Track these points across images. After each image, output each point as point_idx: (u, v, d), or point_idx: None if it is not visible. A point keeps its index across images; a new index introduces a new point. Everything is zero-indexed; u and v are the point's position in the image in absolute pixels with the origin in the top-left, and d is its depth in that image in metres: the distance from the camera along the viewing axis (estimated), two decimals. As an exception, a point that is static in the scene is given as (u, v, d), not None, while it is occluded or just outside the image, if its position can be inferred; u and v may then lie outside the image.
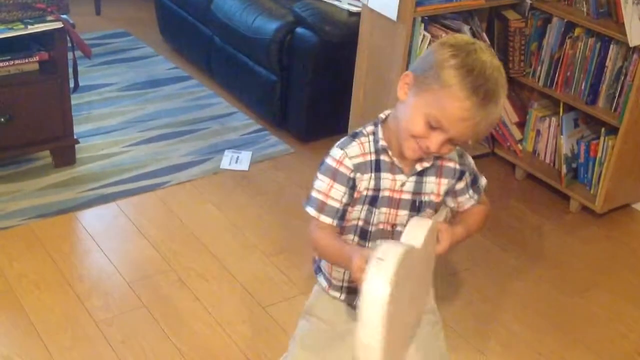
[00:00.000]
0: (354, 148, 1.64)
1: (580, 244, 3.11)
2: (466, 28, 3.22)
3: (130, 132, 3.61)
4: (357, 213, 1.69)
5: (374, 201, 1.67)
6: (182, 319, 2.55)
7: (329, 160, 1.65)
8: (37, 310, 2.53)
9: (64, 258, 2.78)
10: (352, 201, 1.67)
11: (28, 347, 2.40)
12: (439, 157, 1.67)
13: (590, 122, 3.29)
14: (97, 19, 4.89)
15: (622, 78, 3.02)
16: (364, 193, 1.66)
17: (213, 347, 2.45)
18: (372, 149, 1.64)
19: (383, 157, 1.64)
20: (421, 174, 1.67)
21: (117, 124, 3.67)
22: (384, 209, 1.68)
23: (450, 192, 1.74)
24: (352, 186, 1.64)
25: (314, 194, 1.66)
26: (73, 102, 3.25)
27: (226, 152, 3.50)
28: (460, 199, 1.75)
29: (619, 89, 3.04)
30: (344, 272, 1.75)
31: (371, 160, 1.64)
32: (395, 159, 1.64)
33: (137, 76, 4.15)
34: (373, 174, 1.65)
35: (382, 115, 1.67)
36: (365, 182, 1.65)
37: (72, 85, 3.20)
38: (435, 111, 1.50)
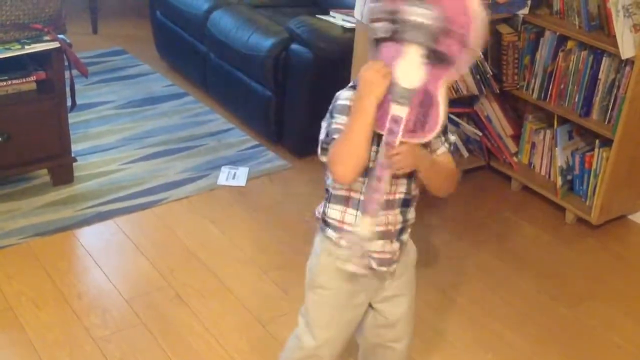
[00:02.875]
0: None
1: (576, 255, 3.12)
2: (459, 42, 3.24)
3: (128, 149, 3.63)
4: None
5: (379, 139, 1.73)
6: (180, 336, 2.55)
7: (342, 102, 1.82)
8: (36, 328, 2.54)
9: (62, 276, 2.79)
10: None
11: (27, 366, 2.41)
12: None
13: (584, 134, 3.31)
14: (94, 38, 4.92)
15: (615, 90, 3.04)
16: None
17: (211, 363, 2.46)
18: None
19: None
20: None
21: (114, 141, 3.69)
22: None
23: None
24: None
25: (334, 126, 1.77)
26: (70, 120, 3.27)
27: (223, 169, 3.52)
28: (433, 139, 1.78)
29: (612, 101, 3.06)
30: (356, 215, 1.80)
31: None
32: None
33: (134, 94, 4.17)
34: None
35: None
36: None
37: (69, 104, 3.22)
38: None
